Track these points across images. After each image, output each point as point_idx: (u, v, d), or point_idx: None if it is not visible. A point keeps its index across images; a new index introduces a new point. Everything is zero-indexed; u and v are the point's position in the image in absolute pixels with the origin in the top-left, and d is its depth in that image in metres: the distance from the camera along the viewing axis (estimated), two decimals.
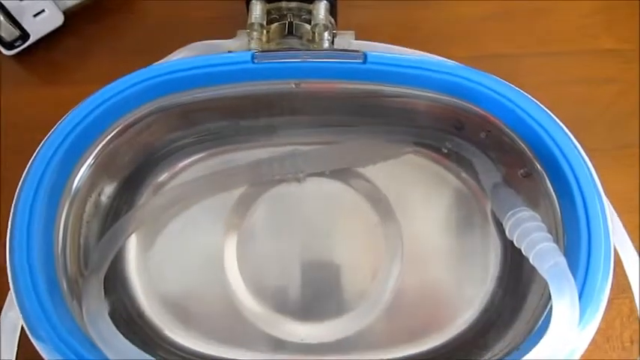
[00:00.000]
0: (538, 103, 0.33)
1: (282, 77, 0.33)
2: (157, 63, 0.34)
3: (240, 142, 0.41)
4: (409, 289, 0.39)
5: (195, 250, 0.40)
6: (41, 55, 0.49)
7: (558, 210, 0.33)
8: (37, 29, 0.47)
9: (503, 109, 0.33)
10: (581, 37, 0.50)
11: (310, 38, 0.44)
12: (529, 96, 0.33)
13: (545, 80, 0.48)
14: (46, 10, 0.47)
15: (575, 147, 0.32)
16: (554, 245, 0.31)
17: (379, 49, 0.38)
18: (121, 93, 0.32)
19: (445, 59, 0.37)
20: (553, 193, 0.33)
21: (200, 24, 0.50)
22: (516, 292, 0.36)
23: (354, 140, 0.41)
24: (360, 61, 0.33)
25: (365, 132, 0.41)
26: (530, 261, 0.31)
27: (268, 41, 0.44)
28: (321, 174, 0.41)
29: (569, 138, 0.32)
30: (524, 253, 0.32)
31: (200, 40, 0.42)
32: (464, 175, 0.40)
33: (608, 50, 0.50)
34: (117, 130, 0.35)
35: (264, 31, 0.45)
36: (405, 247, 0.39)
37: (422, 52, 0.40)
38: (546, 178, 0.33)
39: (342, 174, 0.41)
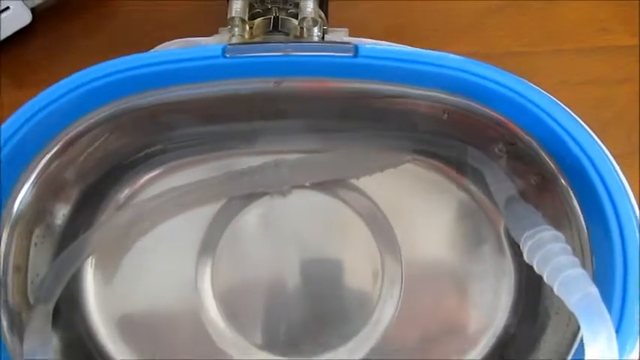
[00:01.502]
0: (563, 105, 0.28)
1: (259, 74, 0.28)
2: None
3: (216, 149, 0.36)
4: (408, 320, 0.34)
5: (165, 273, 0.35)
6: (7, 55, 0.45)
7: (585, 229, 0.28)
8: (2, 28, 0.43)
9: (522, 112, 0.28)
10: (595, 33, 0.47)
11: (298, 34, 0.40)
12: (552, 97, 0.28)
13: (557, 81, 0.44)
14: (11, 7, 0.43)
15: (607, 157, 0.27)
16: (584, 272, 0.26)
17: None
18: (58, 100, 0.27)
19: (451, 54, 0.32)
20: (579, 210, 0.28)
21: (178, 21, 0.47)
22: (534, 323, 0.31)
23: (345, 148, 0.36)
24: (351, 54, 0.28)
25: (358, 138, 0.36)
26: (555, 290, 0.26)
27: (252, 38, 0.40)
28: (308, 186, 0.36)
29: (600, 146, 0.27)
30: (546, 280, 0.27)
31: (177, 39, 0.37)
32: (472, 187, 0.35)
33: (625, 47, 0.47)
34: (62, 142, 0.29)
35: (247, 27, 0.41)
36: (404, 271, 0.34)
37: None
38: (571, 192, 0.28)
39: (332, 186, 0.36)
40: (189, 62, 0.28)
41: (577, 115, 0.29)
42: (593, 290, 0.25)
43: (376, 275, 0.35)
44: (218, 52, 0.28)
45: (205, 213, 0.36)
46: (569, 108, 0.29)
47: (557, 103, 0.27)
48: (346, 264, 0.35)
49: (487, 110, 0.30)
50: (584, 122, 0.29)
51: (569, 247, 0.27)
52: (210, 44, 0.30)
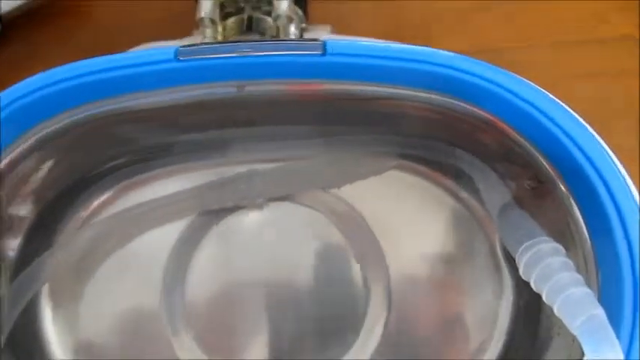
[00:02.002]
0: (558, 101, 0.24)
1: (217, 78, 0.25)
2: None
3: (185, 161, 0.33)
4: (396, 343, 0.31)
5: (131, 297, 0.32)
6: None
7: (588, 241, 0.25)
8: None
9: (512, 110, 0.25)
10: (593, 24, 0.45)
11: (274, 34, 0.37)
12: (546, 92, 0.25)
13: (554, 75, 0.40)
14: None
15: (611, 159, 0.24)
16: (588, 291, 0.22)
17: None
18: None
19: (437, 50, 0.29)
20: (581, 219, 0.25)
21: (152, 25, 0.46)
22: (534, 345, 0.28)
23: (324, 155, 0.33)
24: (319, 52, 0.24)
25: (338, 144, 0.33)
26: (555, 311, 0.23)
27: (225, 40, 0.37)
28: (285, 198, 0.33)
29: (602, 147, 0.24)
30: (545, 300, 0.24)
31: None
32: (463, 193, 0.32)
33: (625, 38, 0.45)
34: (8, 161, 0.26)
35: (220, 29, 0.39)
36: (392, 288, 0.31)
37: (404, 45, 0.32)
38: (571, 198, 0.25)
39: (312, 197, 0.33)
40: (140, 67, 0.25)
41: (575, 110, 0.26)
42: (599, 312, 0.22)
43: (361, 293, 0.32)
44: (170, 55, 0.25)
45: (173, 230, 0.33)
46: (566, 104, 0.26)
47: (552, 99, 0.24)
48: (329, 281, 0.32)
49: (475, 109, 0.27)
50: (583, 118, 0.26)
51: (570, 262, 0.24)
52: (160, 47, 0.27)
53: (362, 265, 0.32)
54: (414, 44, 0.33)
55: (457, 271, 0.31)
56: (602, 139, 0.26)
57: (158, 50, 0.25)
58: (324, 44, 0.25)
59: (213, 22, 0.38)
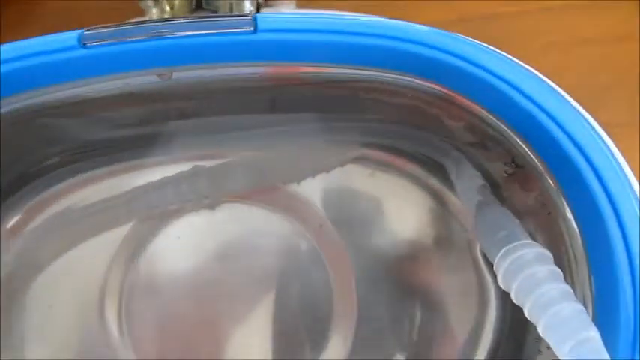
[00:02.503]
0: (546, 80, 0.20)
1: (133, 66, 0.21)
2: None
3: (121, 160, 0.29)
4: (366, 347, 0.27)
5: (64, 320, 0.28)
6: None
7: (580, 245, 0.21)
8: None
9: (483, 88, 0.21)
10: None
11: (228, 11, 0.34)
12: (530, 69, 0.20)
13: (548, 42, 0.39)
14: None
15: (605, 147, 0.20)
16: (580, 307, 0.19)
17: None
18: None
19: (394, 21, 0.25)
20: (571, 217, 0.21)
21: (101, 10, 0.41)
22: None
23: (278, 147, 0.29)
24: (249, 29, 0.20)
25: (294, 134, 0.29)
26: (540, 331, 0.19)
27: None
28: (237, 198, 0.29)
29: (595, 134, 0.20)
30: (528, 316, 0.20)
31: None
32: (436, 186, 0.27)
33: None
34: None
35: (166, 7, 0.35)
36: (359, 297, 0.28)
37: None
38: (560, 193, 0.21)
39: (267, 195, 0.29)
40: (38, 57, 0.21)
41: (573, 80, 0.23)
42: (593, 335, 0.18)
43: (326, 301, 0.28)
44: (74, 40, 0.21)
45: (110, 241, 0.29)
46: (563, 74, 0.22)
47: (525, 71, 0.20)
48: (291, 288, 0.29)
49: (441, 88, 0.22)
50: (582, 88, 0.22)
51: (558, 271, 0.20)
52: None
53: (325, 268, 0.28)
54: (384, 16, 0.29)
55: (434, 275, 0.27)
56: (595, 119, 0.22)
57: (59, 36, 0.21)
58: (254, 19, 0.20)
59: (156, 1, 0.34)
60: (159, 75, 0.23)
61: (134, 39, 0.21)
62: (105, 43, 0.21)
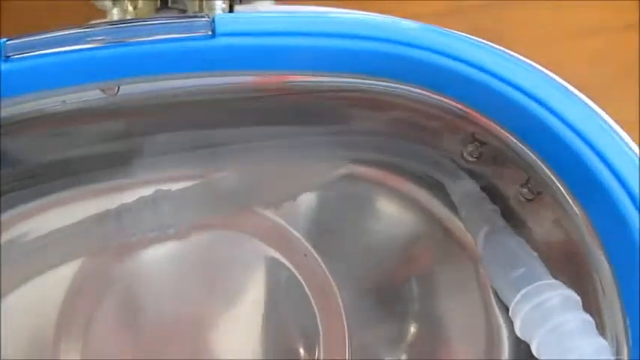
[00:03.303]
0: (562, 83, 0.17)
1: (66, 82, 0.17)
2: None
3: (73, 185, 0.25)
4: None
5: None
6: None
7: (611, 280, 0.17)
8: None
9: (483, 92, 0.17)
10: None
11: (197, 10, 0.30)
12: (544, 71, 0.17)
13: (541, 33, 0.37)
14: None
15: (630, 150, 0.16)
16: None
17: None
18: None
19: (392, 18, 0.21)
20: (601, 251, 0.17)
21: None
22: None
23: (255, 165, 0.25)
24: (206, 33, 0.16)
25: (271, 150, 0.25)
26: None
27: None
28: (208, 225, 0.25)
29: (625, 146, 0.16)
30: None
31: None
32: (438, 209, 0.24)
33: None
34: None
35: (129, 7, 0.32)
36: (349, 333, 0.24)
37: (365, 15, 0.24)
38: (589, 225, 0.17)
39: (244, 221, 0.26)
40: None
41: (575, 73, 0.19)
42: None
43: (311, 339, 0.24)
44: None
45: (65, 275, 0.25)
46: (565, 66, 0.19)
47: (544, 76, 0.16)
48: (270, 326, 0.26)
49: (442, 98, 0.19)
50: (584, 82, 0.19)
51: (590, 320, 0.16)
52: None
53: (311, 301, 0.25)
54: (380, 10, 0.26)
55: (431, 310, 0.23)
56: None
57: None
58: (212, 22, 0.16)
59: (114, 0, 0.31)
60: (103, 90, 0.19)
61: (66, 49, 0.17)
62: (31, 54, 0.17)
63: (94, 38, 0.17)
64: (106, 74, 0.18)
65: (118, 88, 0.19)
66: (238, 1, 0.32)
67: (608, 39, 0.38)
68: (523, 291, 0.17)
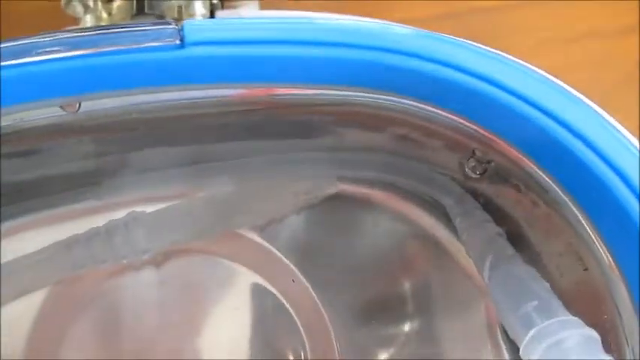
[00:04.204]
0: (545, 76, 0.15)
1: (16, 99, 0.15)
2: None
3: (38, 208, 0.23)
4: None
5: None
6: None
7: (631, 311, 0.16)
8: None
9: (480, 102, 0.15)
10: None
11: (176, 16, 0.29)
12: (525, 66, 0.15)
13: (541, 38, 0.36)
14: None
15: None
16: None
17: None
18: None
19: (382, 23, 0.19)
20: (619, 277, 0.16)
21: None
22: None
23: (238, 183, 0.23)
24: (173, 42, 0.14)
25: (255, 168, 0.23)
26: None
27: None
28: (186, 250, 0.23)
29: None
30: None
31: None
32: (439, 232, 0.22)
33: None
34: None
35: (103, 14, 0.30)
36: None
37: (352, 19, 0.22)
38: (605, 250, 0.16)
39: (226, 246, 0.24)
40: None
41: (574, 79, 0.17)
42: None
43: None
44: None
45: (27, 308, 0.23)
46: (564, 72, 0.17)
47: (538, 77, 0.15)
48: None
49: (433, 109, 0.17)
50: (584, 88, 0.17)
51: None
52: None
53: (301, 333, 0.23)
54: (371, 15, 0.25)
55: (430, 344, 0.21)
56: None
57: None
58: (180, 30, 0.14)
59: (85, 5, 0.29)
60: (62, 107, 0.17)
61: (14, 63, 0.15)
62: None
63: (46, 50, 0.15)
64: (60, 90, 0.16)
65: (79, 104, 0.17)
66: (220, 6, 0.31)
67: (608, 43, 0.37)
68: (535, 329, 0.15)
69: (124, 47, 0.15)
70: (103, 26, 0.19)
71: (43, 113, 0.17)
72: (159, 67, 0.15)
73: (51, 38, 0.15)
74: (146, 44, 0.15)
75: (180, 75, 0.15)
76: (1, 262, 0.23)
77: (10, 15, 0.38)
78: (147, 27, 0.15)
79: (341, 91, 0.17)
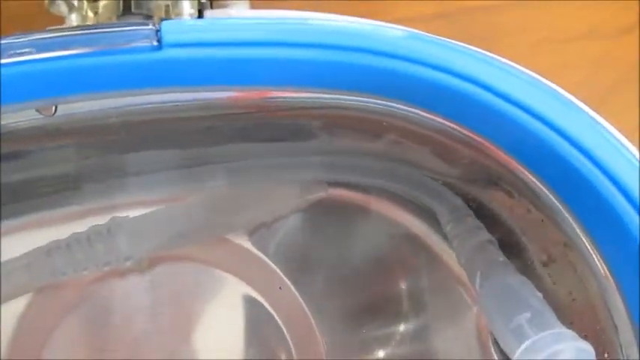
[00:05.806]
0: (539, 79, 0.15)
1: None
2: None
3: (18, 213, 0.22)
4: None
5: None
6: None
7: (627, 321, 0.15)
8: None
9: (469, 106, 0.15)
10: None
11: (164, 15, 0.28)
12: (515, 68, 0.15)
13: (537, 39, 0.35)
14: None
15: None
16: None
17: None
18: None
19: (375, 24, 0.18)
20: (615, 289, 0.15)
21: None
22: None
23: (224, 187, 0.22)
24: (150, 44, 0.14)
25: (242, 171, 0.22)
26: None
27: None
28: (170, 256, 0.22)
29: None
30: None
31: None
32: (430, 238, 0.21)
33: None
34: None
35: (89, 13, 0.30)
36: None
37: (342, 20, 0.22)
38: (596, 253, 0.15)
39: (212, 250, 0.23)
40: None
41: (573, 80, 0.20)
42: None
43: None
44: None
45: (11, 314, 0.22)
46: (562, 72, 0.20)
47: (532, 82, 0.14)
48: None
49: (425, 113, 0.16)
50: (583, 89, 0.17)
51: None
52: None
53: (289, 341, 0.22)
54: (363, 14, 0.24)
55: (417, 350, 0.21)
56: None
57: None
58: (157, 31, 0.14)
59: (70, 4, 0.28)
60: (39, 110, 0.16)
61: None
62: None
63: (17, 52, 0.14)
64: (34, 93, 0.15)
65: (55, 107, 0.17)
66: (209, 5, 0.30)
67: (607, 43, 0.36)
68: (528, 342, 0.15)
69: (98, 49, 0.14)
70: (79, 27, 0.18)
71: (20, 117, 0.17)
72: (135, 69, 0.14)
73: (24, 39, 0.14)
74: (122, 46, 0.14)
75: (159, 78, 0.14)
76: None
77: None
78: (124, 28, 0.15)
79: (328, 94, 0.17)
